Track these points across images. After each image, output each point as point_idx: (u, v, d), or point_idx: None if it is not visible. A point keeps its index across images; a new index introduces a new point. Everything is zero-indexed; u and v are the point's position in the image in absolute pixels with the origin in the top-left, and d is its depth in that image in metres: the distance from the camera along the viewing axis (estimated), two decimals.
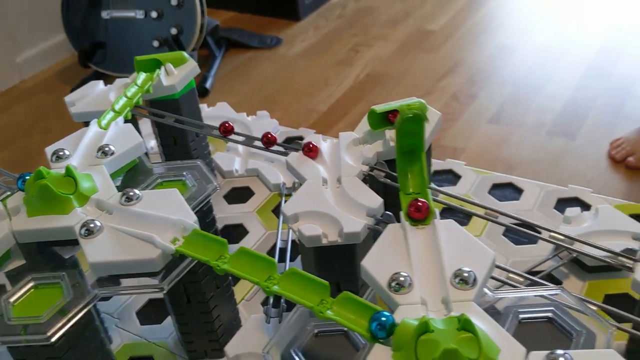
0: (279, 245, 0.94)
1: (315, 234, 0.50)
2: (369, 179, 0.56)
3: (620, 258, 0.50)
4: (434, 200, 0.51)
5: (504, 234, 0.68)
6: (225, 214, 1.15)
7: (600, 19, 1.95)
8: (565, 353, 0.33)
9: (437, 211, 0.43)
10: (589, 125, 1.48)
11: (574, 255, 0.58)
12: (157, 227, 0.47)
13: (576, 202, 0.71)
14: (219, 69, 1.92)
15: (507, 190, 0.75)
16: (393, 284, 0.38)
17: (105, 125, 0.69)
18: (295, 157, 0.61)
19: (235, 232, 1.12)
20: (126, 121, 0.72)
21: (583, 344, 0.37)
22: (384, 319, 0.34)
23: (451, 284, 0.38)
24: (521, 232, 0.62)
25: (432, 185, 0.54)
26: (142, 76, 0.79)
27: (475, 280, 0.38)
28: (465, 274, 0.38)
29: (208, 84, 1.83)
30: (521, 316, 0.39)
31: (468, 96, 1.65)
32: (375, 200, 0.51)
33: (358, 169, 0.57)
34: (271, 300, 0.71)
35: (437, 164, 0.80)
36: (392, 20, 2.12)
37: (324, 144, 0.63)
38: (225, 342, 0.65)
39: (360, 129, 0.63)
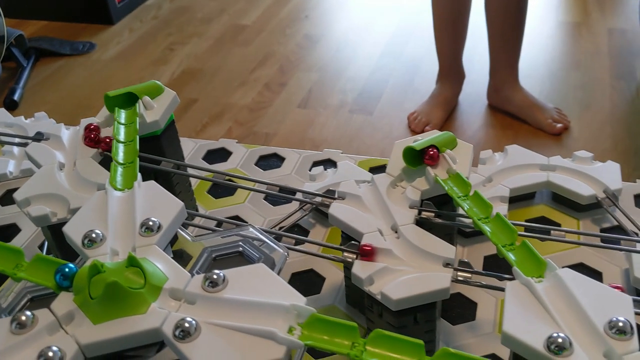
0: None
1: (43, 213, 0.52)
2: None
3: (322, 198, 0.59)
4: (190, 175, 0.57)
5: (264, 199, 0.75)
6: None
7: (393, 5, 2.14)
8: (220, 272, 0.40)
9: (139, 177, 0.49)
10: (384, 101, 1.63)
11: (314, 206, 0.66)
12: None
13: (329, 162, 0.81)
14: (28, 80, 1.86)
15: (272, 160, 0.83)
16: (86, 241, 0.43)
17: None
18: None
19: (8, 232, 1.10)
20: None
21: None
22: (67, 269, 0.39)
23: (139, 233, 0.44)
24: (277, 195, 0.70)
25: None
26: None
27: (159, 227, 0.44)
28: (151, 223, 0.44)
29: (16, 96, 1.76)
30: (215, 254, 0.46)
31: (279, 85, 1.74)
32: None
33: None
34: None
35: (210, 144, 0.87)
36: (207, 17, 2.17)
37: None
38: None
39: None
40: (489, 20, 1.43)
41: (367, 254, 0.49)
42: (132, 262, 0.38)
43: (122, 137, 0.55)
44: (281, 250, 0.46)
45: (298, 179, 0.78)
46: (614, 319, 0.38)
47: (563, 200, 0.70)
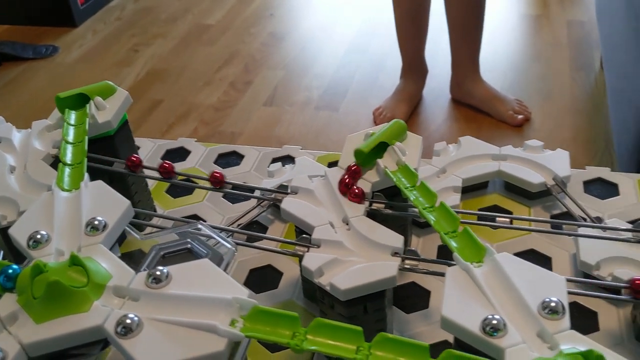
0: None
1: None
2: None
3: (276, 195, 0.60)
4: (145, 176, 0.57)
5: (223, 197, 0.76)
6: None
7: (358, 2, 2.15)
8: (163, 268, 0.41)
9: (87, 177, 0.49)
10: (349, 97, 1.64)
11: (271, 202, 0.67)
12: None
13: (289, 158, 0.81)
14: None
15: (231, 158, 0.83)
16: (31, 242, 0.43)
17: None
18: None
19: None
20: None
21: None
22: (10, 271, 0.39)
23: (85, 232, 0.44)
24: (235, 193, 0.70)
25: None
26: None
27: (105, 226, 0.45)
28: (96, 222, 0.44)
29: None
30: (164, 252, 0.47)
31: (244, 83, 1.74)
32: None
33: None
34: None
35: (169, 144, 0.86)
36: (172, 17, 2.16)
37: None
38: None
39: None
40: (449, 16, 1.45)
41: None
42: (75, 261, 0.39)
43: (70, 138, 0.55)
44: (229, 246, 0.47)
45: (257, 175, 0.79)
46: (547, 299, 0.39)
47: (515, 189, 0.71)
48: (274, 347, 0.57)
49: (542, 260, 0.64)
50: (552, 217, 0.69)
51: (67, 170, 0.50)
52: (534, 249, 0.65)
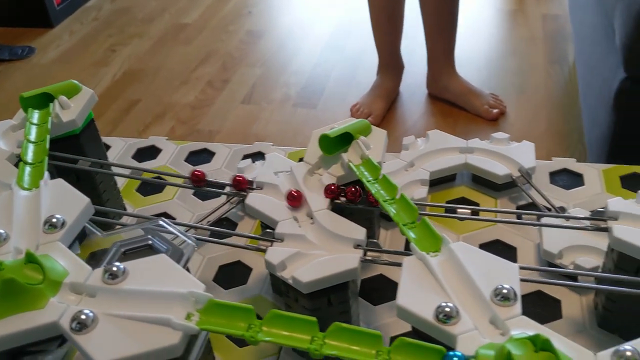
0: None
1: None
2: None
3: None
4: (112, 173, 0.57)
5: (193, 194, 0.76)
6: None
7: (337, 0, 2.16)
8: (120, 264, 0.41)
9: (47, 175, 0.49)
10: (327, 94, 1.65)
11: (241, 199, 0.67)
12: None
13: (260, 155, 0.82)
14: None
15: (203, 155, 0.83)
16: None
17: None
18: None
19: None
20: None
21: (171, 257, 0.45)
22: None
23: (43, 230, 0.44)
24: (206, 190, 0.71)
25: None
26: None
27: (64, 223, 0.45)
28: (54, 220, 0.45)
29: None
30: (124, 248, 0.47)
31: (221, 82, 1.74)
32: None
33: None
34: None
35: (140, 142, 0.86)
36: (148, 17, 2.15)
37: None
38: None
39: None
40: (424, 12, 1.46)
41: None
42: (30, 259, 0.39)
43: (32, 137, 0.55)
44: (190, 242, 0.47)
45: (228, 172, 0.79)
46: (500, 286, 0.40)
47: (482, 181, 0.72)
48: (242, 342, 0.58)
49: (508, 250, 0.65)
50: (518, 207, 0.70)
51: (28, 169, 0.50)
52: (499, 239, 0.66)
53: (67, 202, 0.46)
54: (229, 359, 0.56)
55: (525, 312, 0.58)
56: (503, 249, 0.65)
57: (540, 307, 0.59)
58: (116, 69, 1.85)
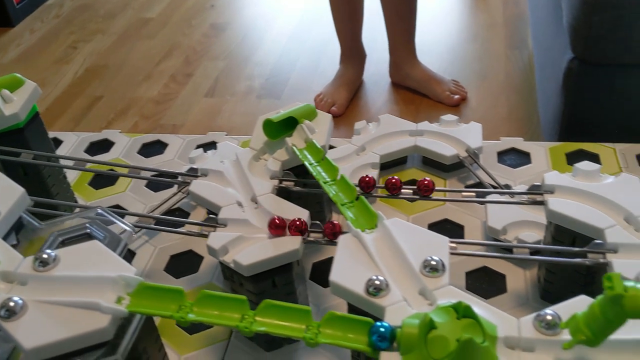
0: None
1: None
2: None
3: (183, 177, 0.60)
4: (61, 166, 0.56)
5: (146, 186, 0.76)
6: None
7: None
8: (51, 251, 0.41)
9: None
10: (291, 85, 1.65)
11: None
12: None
13: (213, 145, 0.82)
14: None
15: (156, 147, 0.83)
16: None
17: None
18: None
19: None
20: None
21: (107, 245, 0.46)
22: None
23: None
24: (159, 180, 0.70)
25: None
26: None
27: None
28: None
29: None
30: (62, 237, 0.47)
31: (185, 75, 1.73)
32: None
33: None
34: None
35: (93, 136, 0.86)
36: (110, 13, 2.12)
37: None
38: None
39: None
40: (383, 0, 1.47)
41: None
42: None
43: None
44: (128, 228, 0.47)
45: (181, 163, 0.79)
46: (429, 258, 0.41)
47: (431, 162, 0.73)
48: (192, 329, 0.58)
49: (456, 228, 0.66)
50: (466, 187, 0.71)
51: None
52: (448, 218, 0.67)
53: (1, 192, 0.46)
54: (180, 346, 0.56)
55: (472, 287, 0.60)
56: (451, 228, 0.66)
57: (486, 282, 0.60)
58: (78, 66, 1.83)
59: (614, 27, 0.80)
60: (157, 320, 0.55)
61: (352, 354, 0.46)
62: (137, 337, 0.41)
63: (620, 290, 0.29)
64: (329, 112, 1.54)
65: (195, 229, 0.54)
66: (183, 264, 0.66)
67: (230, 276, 0.53)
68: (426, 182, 0.53)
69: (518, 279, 0.59)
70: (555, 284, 0.55)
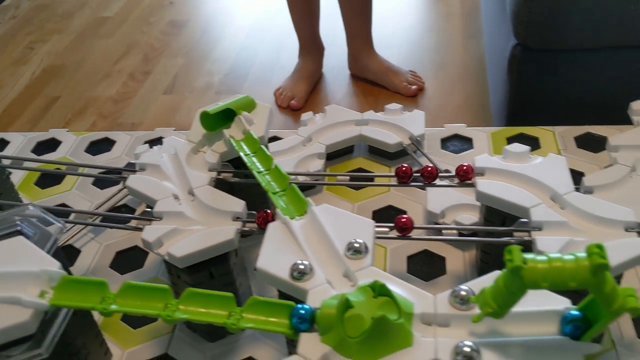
0: None
1: None
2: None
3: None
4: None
5: (92, 184, 0.75)
6: None
7: None
8: None
9: None
10: (251, 80, 1.65)
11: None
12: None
13: (160, 141, 0.82)
14: None
15: (103, 144, 0.82)
16: None
17: None
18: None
19: None
20: None
21: (38, 241, 0.46)
22: None
23: None
24: (105, 177, 0.70)
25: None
26: None
27: None
28: None
29: None
30: None
31: (143, 73, 1.71)
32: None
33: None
34: None
35: (40, 136, 0.85)
36: (68, 12, 2.10)
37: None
38: None
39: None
40: None
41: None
42: None
43: None
44: (59, 225, 0.47)
45: (128, 160, 0.78)
46: (352, 241, 0.41)
47: (376, 151, 0.74)
48: (136, 324, 0.58)
49: (399, 214, 0.67)
50: None
51: None
52: (391, 205, 0.68)
53: None
54: (123, 341, 0.56)
55: (413, 270, 0.61)
56: (396, 214, 0.67)
57: (427, 265, 0.61)
58: (35, 66, 1.80)
59: (551, 12, 0.81)
60: (98, 317, 0.55)
61: (286, 340, 0.46)
62: (74, 333, 0.41)
63: (519, 262, 0.31)
64: (288, 106, 1.54)
65: (135, 223, 0.54)
66: (129, 259, 0.65)
67: (169, 269, 0.53)
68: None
69: (457, 260, 0.61)
70: (490, 264, 0.56)
